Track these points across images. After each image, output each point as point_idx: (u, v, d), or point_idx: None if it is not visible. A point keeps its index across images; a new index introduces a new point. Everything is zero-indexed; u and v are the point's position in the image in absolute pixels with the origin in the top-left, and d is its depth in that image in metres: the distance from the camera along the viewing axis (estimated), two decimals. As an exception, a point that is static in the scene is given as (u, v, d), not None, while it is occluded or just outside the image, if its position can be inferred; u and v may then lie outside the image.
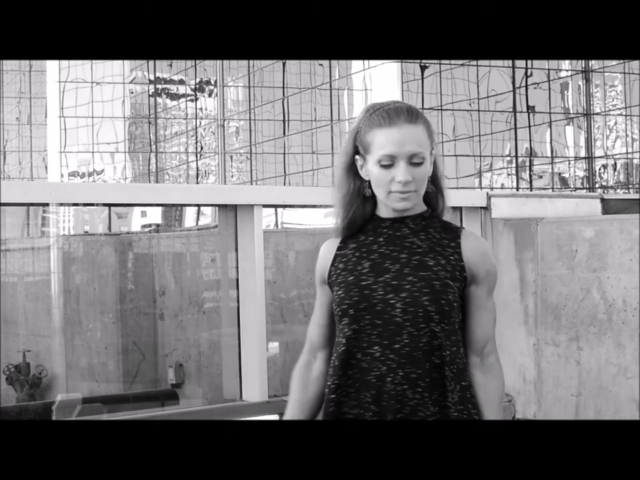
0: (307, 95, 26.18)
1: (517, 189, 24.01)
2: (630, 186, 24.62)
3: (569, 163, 25.55)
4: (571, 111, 25.41)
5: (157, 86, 30.91)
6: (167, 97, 31.24)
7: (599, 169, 25.38)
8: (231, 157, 29.64)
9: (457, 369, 2.15)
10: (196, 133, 30.71)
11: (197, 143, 30.65)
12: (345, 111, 24.72)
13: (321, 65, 25.58)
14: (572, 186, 25.29)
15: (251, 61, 27.37)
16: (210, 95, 30.27)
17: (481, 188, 23.85)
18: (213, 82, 29.99)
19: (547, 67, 24.74)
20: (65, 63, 29.34)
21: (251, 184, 27.90)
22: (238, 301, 3.92)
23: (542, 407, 4.38)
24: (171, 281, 6.48)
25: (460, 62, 23.33)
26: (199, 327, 6.10)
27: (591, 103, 25.10)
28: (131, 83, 30.92)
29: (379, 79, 23.30)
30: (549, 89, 24.94)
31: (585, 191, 24.66)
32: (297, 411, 2.29)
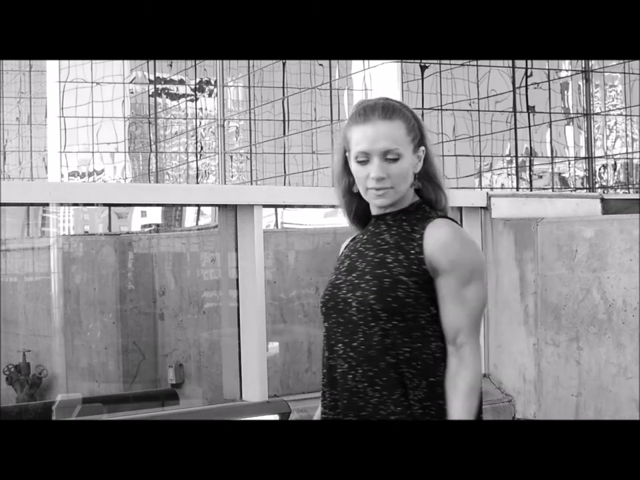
0: (307, 95, 26.18)
1: (517, 188, 24.00)
2: (630, 186, 24.61)
3: (569, 163, 25.56)
4: (571, 111, 25.41)
5: (157, 86, 30.90)
6: (166, 97, 31.23)
7: (599, 169, 25.38)
8: (231, 156, 29.64)
9: (422, 365, 2.11)
10: (196, 133, 30.71)
11: (197, 143, 30.65)
12: (344, 111, 24.71)
13: (320, 65, 25.57)
14: (572, 186, 25.28)
15: (251, 61, 27.36)
16: (210, 95, 30.27)
17: (481, 188, 23.85)
18: (213, 82, 29.99)
19: (547, 67, 24.74)
20: (64, 62, 29.33)
21: (251, 184, 27.89)
22: (238, 301, 3.91)
23: (542, 407, 4.38)
24: (171, 281, 6.48)
25: (460, 62, 23.33)
26: (198, 327, 6.09)
27: (591, 103, 25.10)
28: (131, 83, 30.92)
29: (379, 79, 23.30)
30: (549, 88, 24.94)
31: (585, 190, 24.65)
32: None
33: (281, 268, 5.61)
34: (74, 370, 6.90)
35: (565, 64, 25.24)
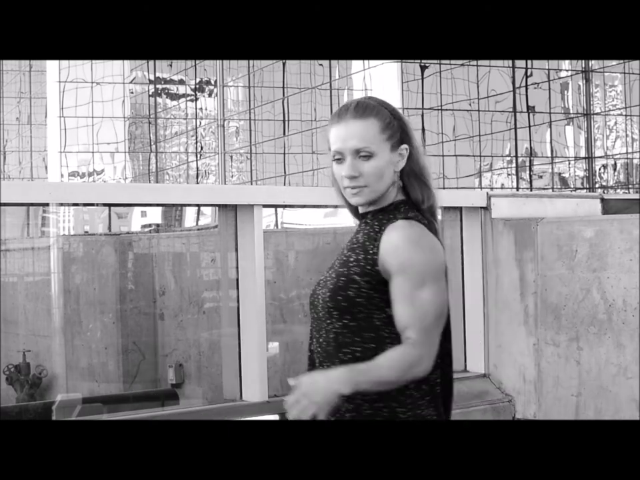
0: (307, 95, 26.17)
1: (517, 188, 23.99)
2: (630, 186, 24.61)
3: (569, 163, 25.55)
4: (571, 111, 25.40)
5: (157, 86, 30.89)
6: (166, 97, 31.22)
7: (599, 169, 25.37)
8: (231, 156, 29.63)
9: None
10: (196, 133, 30.70)
11: (197, 143, 30.64)
12: (345, 111, 24.64)
13: (320, 65, 25.56)
14: (572, 186, 25.28)
15: (251, 61, 27.35)
16: (210, 95, 30.25)
17: (481, 188, 23.85)
18: (213, 82, 29.98)
19: (547, 67, 24.74)
20: (65, 62, 29.31)
21: (251, 184, 27.88)
22: (238, 301, 3.91)
23: (542, 407, 4.38)
24: (170, 281, 6.48)
25: (460, 62, 23.32)
26: (199, 327, 6.10)
27: (591, 103, 25.09)
28: (131, 82, 30.91)
29: (379, 79, 23.29)
30: (549, 88, 24.93)
31: (585, 190, 24.64)
32: None
33: (281, 268, 5.61)
34: (74, 370, 6.91)
35: (565, 64, 25.23)
